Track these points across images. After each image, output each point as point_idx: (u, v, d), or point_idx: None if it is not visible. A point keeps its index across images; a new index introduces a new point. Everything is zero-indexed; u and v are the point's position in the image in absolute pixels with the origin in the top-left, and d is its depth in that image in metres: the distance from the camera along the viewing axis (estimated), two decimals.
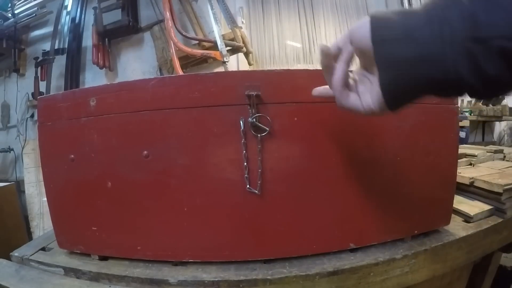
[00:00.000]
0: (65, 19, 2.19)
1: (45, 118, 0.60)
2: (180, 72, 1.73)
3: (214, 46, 1.73)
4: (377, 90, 0.33)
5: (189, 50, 1.73)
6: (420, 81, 0.30)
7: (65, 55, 2.19)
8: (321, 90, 0.42)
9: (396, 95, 0.32)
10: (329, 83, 0.37)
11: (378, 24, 0.31)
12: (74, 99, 0.58)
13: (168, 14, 1.73)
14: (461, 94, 0.31)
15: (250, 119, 0.51)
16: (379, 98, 0.33)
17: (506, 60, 0.26)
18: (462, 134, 2.04)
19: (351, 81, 0.37)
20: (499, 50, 0.25)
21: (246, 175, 0.52)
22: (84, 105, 0.56)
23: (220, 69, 1.88)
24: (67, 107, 0.58)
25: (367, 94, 0.34)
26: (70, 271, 0.59)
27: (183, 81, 0.53)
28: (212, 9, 1.76)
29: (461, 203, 0.74)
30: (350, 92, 0.36)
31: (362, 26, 0.32)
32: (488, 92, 0.29)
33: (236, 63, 2.10)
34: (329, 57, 0.36)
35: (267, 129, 0.51)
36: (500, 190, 0.68)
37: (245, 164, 0.52)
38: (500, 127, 2.86)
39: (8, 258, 0.66)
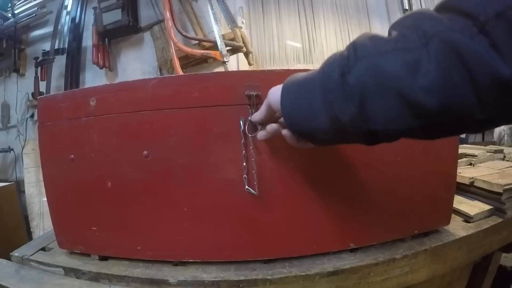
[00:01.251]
0: (65, 19, 2.20)
1: (45, 118, 0.60)
2: (180, 72, 1.73)
3: (214, 46, 1.73)
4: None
5: (189, 50, 1.73)
6: (329, 142, 0.41)
7: (65, 55, 2.19)
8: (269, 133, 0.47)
9: (319, 144, 0.42)
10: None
11: (286, 100, 0.38)
12: (74, 99, 0.58)
13: (168, 14, 1.73)
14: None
15: (250, 118, 0.51)
16: (310, 144, 0.42)
17: (388, 138, 0.33)
18: (462, 134, 2.04)
19: None
20: (383, 135, 0.33)
21: (244, 176, 0.52)
22: (84, 105, 0.56)
23: (220, 69, 1.88)
24: (67, 107, 0.58)
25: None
26: (70, 271, 0.59)
27: (183, 81, 0.53)
28: (212, 9, 1.76)
29: (461, 203, 0.74)
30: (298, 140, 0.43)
31: (275, 96, 0.39)
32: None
33: (236, 63, 2.10)
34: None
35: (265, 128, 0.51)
36: (500, 190, 0.68)
37: (244, 164, 0.52)
38: (500, 127, 2.85)
39: (8, 258, 0.66)
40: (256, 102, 0.51)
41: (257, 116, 0.47)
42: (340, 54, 0.32)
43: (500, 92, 0.25)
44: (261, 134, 0.47)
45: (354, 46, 0.31)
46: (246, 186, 0.52)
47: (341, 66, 0.31)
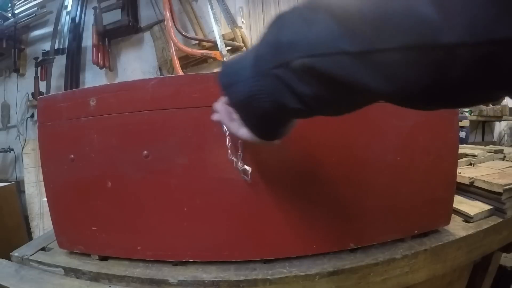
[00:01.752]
0: (65, 19, 2.20)
1: (45, 118, 0.60)
2: (180, 72, 1.73)
3: (214, 46, 1.73)
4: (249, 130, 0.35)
5: (189, 50, 1.74)
6: (263, 117, 0.32)
7: (65, 55, 2.19)
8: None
9: (258, 131, 0.35)
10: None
11: (223, 72, 0.34)
12: (74, 99, 0.58)
13: (168, 14, 1.73)
14: (305, 117, 0.31)
15: None
16: (251, 134, 0.35)
17: (315, 77, 0.25)
18: (462, 134, 2.04)
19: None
20: (303, 70, 0.25)
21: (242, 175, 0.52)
22: (84, 105, 0.56)
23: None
24: (67, 107, 0.58)
25: (244, 130, 0.36)
26: (70, 271, 0.59)
27: (183, 81, 0.53)
28: (212, 9, 1.76)
29: (461, 203, 0.74)
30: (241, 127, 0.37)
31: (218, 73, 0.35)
32: (323, 111, 0.29)
33: None
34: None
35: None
36: (500, 190, 0.68)
37: (240, 163, 0.52)
38: (500, 127, 2.86)
39: (8, 258, 0.66)
40: None
41: (216, 104, 0.42)
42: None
43: None
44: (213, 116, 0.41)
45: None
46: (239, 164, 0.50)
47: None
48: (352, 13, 0.22)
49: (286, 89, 0.27)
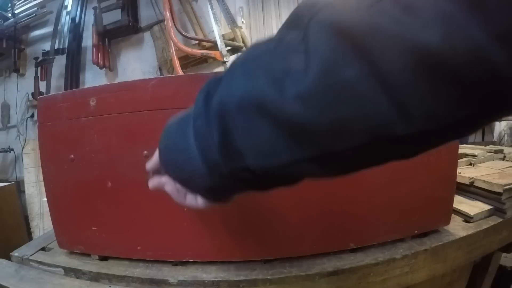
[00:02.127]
0: (65, 19, 2.20)
1: (45, 118, 0.60)
2: (180, 72, 1.73)
3: (214, 46, 1.73)
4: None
5: (189, 50, 1.74)
6: (228, 194, 0.32)
7: (65, 55, 2.19)
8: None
9: (215, 200, 0.33)
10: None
11: (163, 141, 0.32)
12: (74, 99, 0.58)
13: (168, 14, 1.73)
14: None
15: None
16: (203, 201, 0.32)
17: (276, 181, 0.26)
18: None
19: None
20: (263, 177, 0.24)
21: None
22: (84, 105, 0.56)
23: (220, 69, 1.88)
24: (67, 107, 0.58)
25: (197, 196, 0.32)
26: (70, 271, 0.59)
27: (183, 81, 0.53)
28: (212, 9, 1.76)
29: (461, 203, 0.74)
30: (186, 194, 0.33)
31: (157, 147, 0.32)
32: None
33: None
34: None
35: None
36: (500, 190, 0.68)
37: None
38: (500, 127, 2.86)
39: (8, 258, 0.66)
40: None
41: (149, 163, 0.37)
42: (212, 78, 0.26)
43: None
44: (150, 183, 0.37)
45: (232, 63, 0.24)
46: None
47: (208, 86, 0.25)
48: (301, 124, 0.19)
49: (243, 184, 0.27)
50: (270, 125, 0.20)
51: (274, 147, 0.21)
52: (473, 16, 0.14)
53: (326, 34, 0.17)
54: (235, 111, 0.21)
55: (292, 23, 0.21)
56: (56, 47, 2.19)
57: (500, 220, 0.68)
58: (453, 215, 0.66)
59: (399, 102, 0.17)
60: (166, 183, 0.34)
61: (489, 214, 0.71)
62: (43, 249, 0.68)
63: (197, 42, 1.92)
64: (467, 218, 0.69)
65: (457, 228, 0.65)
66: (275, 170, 0.22)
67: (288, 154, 0.21)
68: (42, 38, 2.33)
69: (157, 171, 0.36)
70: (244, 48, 1.84)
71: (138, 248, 0.57)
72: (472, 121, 0.18)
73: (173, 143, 0.29)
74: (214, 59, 1.75)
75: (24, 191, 2.08)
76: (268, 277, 0.52)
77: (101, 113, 0.56)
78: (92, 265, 0.59)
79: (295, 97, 0.18)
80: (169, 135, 0.31)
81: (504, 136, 2.78)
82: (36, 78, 2.19)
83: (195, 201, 0.33)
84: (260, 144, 0.21)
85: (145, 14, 2.20)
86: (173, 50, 1.77)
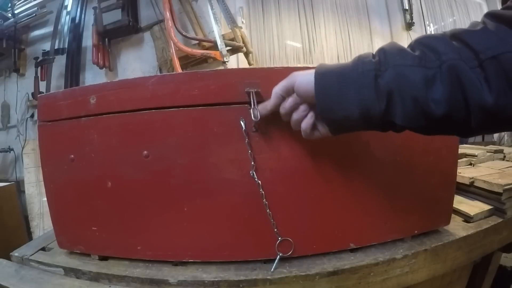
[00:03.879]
0: (65, 19, 2.20)
1: (45, 116, 0.60)
2: None
3: (214, 46, 1.73)
4: (326, 128, 0.44)
5: (189, 50, 1.73)
6: (349, 130, 0.44)
7: (65, 55, 2.19)
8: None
9: (337, 132, 0.45)
10: (293, 125, 0.47)
11: (321, 86, 0.41)
12: (74, 96, 0.58)
13: (168, 14, 1.73)
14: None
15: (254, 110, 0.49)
16: (329, 132, 0.44)
17: (403, 129, 0.40)
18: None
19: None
20: (400, 128, 0.39)
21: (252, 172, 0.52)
22: (84, 102, 0.56)
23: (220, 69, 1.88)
24: (67, 105, 0.58)
25: (321, 127, 0.45)
26: (70, 271, 0.59)
27: (183, 79, 0.53)
28: (212, 9, 1.76)
29: (461, 203, 0.74)
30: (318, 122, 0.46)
31: (306, 84, 0.42)
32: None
33: (236, 63, 2.11)
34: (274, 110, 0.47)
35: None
36: (500, 190, 0.68)
37: (253, 163, 0.52)
38: None
39: (8, 258, 0.66)
40: (256, 99, 0.51)
41: (267, 105, 0.48)
42: (373, 57, 0.39)
43: (483, 113, 0.33)
44: (287, 105, 0.46)
45: (384, 54, 0.38)
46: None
47: (374, 69, 0.38)
48: None
49: (380, 127, 0.42)
50: (416, 107, 0.36)
51: (414, 117, 0.37)
52: None
53: (452, 75, 0.34)
54: (400, 94, 0.36)
55: (430, 50, 0.36)
56: (56, 47, 2.19)
57: (500, 220, 0.68)
58: (453, 215, 0.66)
59: (471, 116, 0.35)
60: (304, 118, 0.45)
61: (489, 214, 0.71)
62: (43, 249, 0.68)
63: (197, 42, 1.92)
64: (467, 218, 0.69)
65: (457, 228, 0.65)
66: (408, 127, 0.39)
67: (419, 122, 0.37)
68: (42, 38, 2.33)
69: (281, 97, 0.46)
70: (243, 48, 1.84)
71: (138, 248, 0.57)
72: None
73: (333, 92, 0.40)
74: (214, 59, 1.75)
75: (24, 191, 2.08)
76: (268, 277, 0.52)
77: (101, 111, 0.56)
78: (92, 265, 0.59)
79: (433, 100, 0.35)
80: (329, 84, 0.40)
81: (504, 136, 2.78)
82: (36, 78, 2.19)
83: (319, 133, 0.46)
84: (407, 114, 0.37)
85: (145, 14, 2.20)
86: (173, 50, 1.77)
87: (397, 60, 0.37)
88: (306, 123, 0.45)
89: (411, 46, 0.38)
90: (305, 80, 0.42)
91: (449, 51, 0.35)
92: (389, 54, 0.38)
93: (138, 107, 0.54)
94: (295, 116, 0.45)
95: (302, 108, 0.45)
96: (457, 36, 0.36)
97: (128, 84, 0.55)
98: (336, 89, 0.40)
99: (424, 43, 0.37)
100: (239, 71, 0.53)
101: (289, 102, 0.45)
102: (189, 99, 0.53)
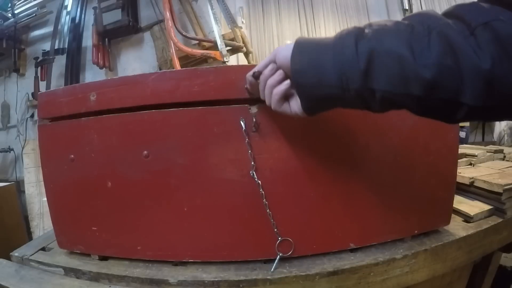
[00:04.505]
0: (65, 19, 2.20)
1: (46, 113, 0.60)
2: None
3: (214, 46, 1.72)
4: (299, 103, 0.42)
5: (189, 50, 1.73)
6: (330, 108, 0.42)
7: (65, 55, 2.19)
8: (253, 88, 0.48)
9: (312, 110, 0.42)
10: (262, 93, 0.45)
11: (298, 49, 0.40)
12: (75, 94, 0.57)
13: (168, 14, 1.73)
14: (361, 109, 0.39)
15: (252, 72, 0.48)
16: (300, 108, 0.42)
17: (384, 102, 0.36)
18: (462, 134, 2.04)
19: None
20: (380, 98, 0.35)
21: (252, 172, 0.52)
22: (85, 99, 0.56)
23: None
24: (67, 102, 0.58)
25: (293, 103, 0.43)
26: (70, 271, 0.59)
27: (183, 75, 0.53)
28: (212, 9, 1.76)
29: (461, 203, 0.74)
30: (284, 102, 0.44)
31: (285, 52, 0.40)
32: (384, 111, 0.38)
33: (236, 63, 2.10)
34: (255, 83, 0.46)
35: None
36: (500, 190, 0.68)
37: (253, 163, 0.52)
38: (500, 127, 2.86)
39: (8, 258, 0.66)
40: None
41: (259, 66, 0.46)
42: (354, 28, 0.37)
43: (479, 81, 0.30)
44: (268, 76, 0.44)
45: (370, 24, 0.36)
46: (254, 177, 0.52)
47: (355, 35, 0.36)
48: None
49: (362, 101, 0.37)
50: (402, 69, 0.33)
51: (399, 81, 0.33)
52: None
53: (443, 42, 0.31)
54: (383, 53, 0.34)
55: (419, 22, 0.33)
56: (56, 47, 2.19)
57: (500, 220, 0.68)
58: (453, 215, 0.66)
59: (465, 86, 0.31)
60: (278, 83, 0.43)
61: (489, 214, 0.71)
62: (43, 249, 0.68)
63: (197, 42, 1.92)
64: (467, 218, 0.69)
65: (457, 228, 0.65)
66: (390, 95, 0.35)
67: (405, 88, 0.33)
68: (42, 38, 2.33)
69: (265, 67, 0.44)
70: (243, 48, 1.84)
71: (138, 248, 0.57)
72: None
73: (309, 58, 0.38)
74: (214, 59, 1.75)
75: (24, 191, 2.08)
76: (268, 277, 0.52)
77: (102, 108, 0.56)
78: (92, 265, 0.59)
79: (423, 64, 0.32)
80: (305, 50, 0.39)
81: (504, 136, 2.78)
82: (36, 78, 2.19)
83: (289, 108, 0.43)
84: (390, 77, 0.34)
85: (145, 14, 2.20)
86: (173, 50, 1.76)
87: (384, 27, 0.35)
88: (278, 89, 0.42)
89: (402, 20, 0.36)
90: (285, 48, 0.41)
91: (440, 23, 0.33)
92: (375, 24, 0.36)
93: (138, 104, 0.54)
94: (270, 81, 0.43)
95: (279, 72, 0.43)
96: (450, 13, 0.34)
97: (128, 81, 0.55)
98: (313, 51, 0.38)
99: (413, 18, 0.35)
100: (238, 68, 0.53)
101: (269, 68, 0.43)
102: (189, 96, 0.53)
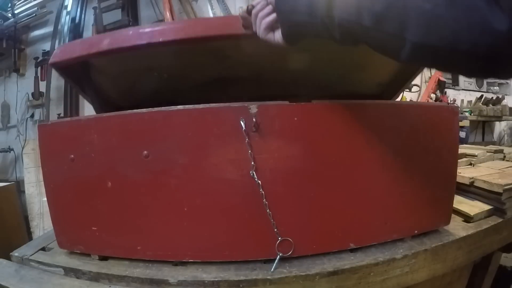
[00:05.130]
0: (65, 19, 2.19)
1: (59, 57, 0.62)
2: None
3: None
4: (280, 33, 0.49)
5: None
6: (303, 36, 0.48)
7: None
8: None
9: (289, 37, 0.49)
10: (254, 25, 0.51)
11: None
12: (90, 43, 0.59)
13: (168, 14, 1.73)
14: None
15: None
16: (281, 36, 0.49)
17: (342, 30, 0.41)
18: (462, 134, 2.05)
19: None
20: (338, 25, 0.41)
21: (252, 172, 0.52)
22: (98, 44, 0.58)
23: None
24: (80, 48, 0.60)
25: (277, 33, 0.50)
26: (70, 271, 0.59)
27: (189, 22, 0.55)
28: (212, 9, 1.77)
29: (461, 203, 0.74)
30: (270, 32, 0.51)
31: None
32: (346, 43, 0.44)
33: None
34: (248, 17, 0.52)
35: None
36: (500, 190, 0.69)
37: (253, 163, 0.52)
38: (500, 127, 2.86)
39: (8, 258, 0.66)
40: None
41: (253, 3, 0.52)
42: None
43: (422, 19, 0.34)
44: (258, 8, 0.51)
45: None
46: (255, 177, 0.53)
47: None
48: None
49: (327, 29, 0.43)
50: (356, 1, 0.39)
51: (353, 11, 0.39)
52: None
53: None
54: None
55: None
56: (56, 47, 2.19)
57: (500, 220, 0.68)
58: (453, 215, 0.66)
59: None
60: (266, 16, 0.49)
61: (489, 214, 0.71)
62: (43, 249, 0.68)
63: None
64: (467, 218, 0.69)
65: (457, 228, 0.65)
66: (345, 22, 0.40)
67: (356, 18, 0.39)
68: (42, 38, 2.33)
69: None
70: None
71: (138, 248, 0.57)
72: None
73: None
74: None
75: (24, 191, 2.08)
76: (268, 277, 0.52)
77: (113, 46, 0.57)
78: (92, 265, 0.59)
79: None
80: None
81: (504, 136, 2.78)
82: (36, 78, 2.19)
83: (273, 37, 0.50)
84: (347, 6, 0.39)
85: (145, 14, 2.20)
86: None
87: None
88: (266, 20, 0.49)
89: None
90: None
91: None
92: None
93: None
94: (260, 14, 0.50)
95: (268, 7, 0.49)
96: None
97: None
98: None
99: None
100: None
101: (260, 3, 0.50)
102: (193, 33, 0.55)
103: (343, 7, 0.40)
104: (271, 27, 0.50)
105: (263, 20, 0.50)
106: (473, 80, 3.17)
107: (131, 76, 0.71)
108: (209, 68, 0.70)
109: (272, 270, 0.53)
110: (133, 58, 0.63)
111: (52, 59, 0.62)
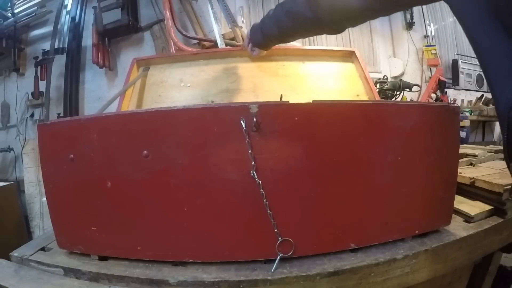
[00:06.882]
0: (65, 19, 2.19)
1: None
2: None
3: (214, 46, 1.72)
4: (257, 50, 0.98)
5: (189, 49, 1.73)
6: (265, 46, 0.95)
7: (65, 55, 2.19)
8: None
9: (263, 49, 0.97)
10: (247, 47, 0.99)
11: (250, 32, 0.94)
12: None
13: (168, 14, 1.72)
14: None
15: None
16: (257, 50, 0.98)
17: (274, 36, 0.89)
18: (463, 134, 2.04)
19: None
20: (269, 34, 0.88)
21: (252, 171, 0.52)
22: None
23: None
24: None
25: (256, 51, 0.98)
26: (69, 271, 0.59)
27: None
28: (212, 8, 1.76)
29: (462, 203, 0.74)
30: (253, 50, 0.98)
31: (248, 33, 0.96)
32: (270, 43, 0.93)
33: None
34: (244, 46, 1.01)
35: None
36: (501, 190, 0.68)
37: (253, 163, 0.52)
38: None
39: (8, 258, 0.66)
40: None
41: (245, 42, 1.00)
42: (263, 18, 0.91)
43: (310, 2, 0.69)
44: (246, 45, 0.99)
45: (268, 12, 0.87)
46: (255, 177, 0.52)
47: (262, 20, 0.89)
48: None
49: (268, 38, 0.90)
50: (274, 22, 0.84)
51: (272, 26, 0.85)
52: None
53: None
54: (266, 20, 0.86)
55: None
56: (56, 46, 2.19)
57: (500, 220, 0.68)
58: (453, 215, 0.66)
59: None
60: (248, 44, 0.97)
61: (490, 214, 0.71)
62: (42, 249, 0.68)
63: (197, 41, 1.92)
64: (467, 218, 0.69)
65: (457, 228, 0.65)
66: (270, 31, 0.86)
67: (277, 27, 0.83)
68: (42, 38, 2.33)
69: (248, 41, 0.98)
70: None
71: (138, 248, 0.57)
72: None
73: (254, 28, 0.91)
74: None
75: (24, 191, 2.08)
76: (269, 277, 0.52)
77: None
78: (91, 265, 0.59)
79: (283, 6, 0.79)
80: (252, 28, 0.93)
81: (504, 136, 2.77)
82: (36, 77, 2.19)
83: (252, 52, 0.99)
84: (270, 26, 0.85)
85: (145, 14, 2.20)
86: (173, 49, 1.76)
87: (268, 13, 0.87)
88: (249, 48, 0.97)
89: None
90: (248, 33, 0.96)
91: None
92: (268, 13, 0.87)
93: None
94: (245, 43, 0.98)
95: (248, 40, 0.96)
96: None
97: None
98: (255, 28, 0.91)
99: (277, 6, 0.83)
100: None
101: (246, 40, 0.98)
102: None
103: (266, 28, 0.85)
104: (252, 48, 0.97)
105: (248, 46, 0.97)
106: (473, 80, 3.17)
107: None
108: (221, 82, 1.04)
109: (272, 270, 0.53)
110: None
111: None
